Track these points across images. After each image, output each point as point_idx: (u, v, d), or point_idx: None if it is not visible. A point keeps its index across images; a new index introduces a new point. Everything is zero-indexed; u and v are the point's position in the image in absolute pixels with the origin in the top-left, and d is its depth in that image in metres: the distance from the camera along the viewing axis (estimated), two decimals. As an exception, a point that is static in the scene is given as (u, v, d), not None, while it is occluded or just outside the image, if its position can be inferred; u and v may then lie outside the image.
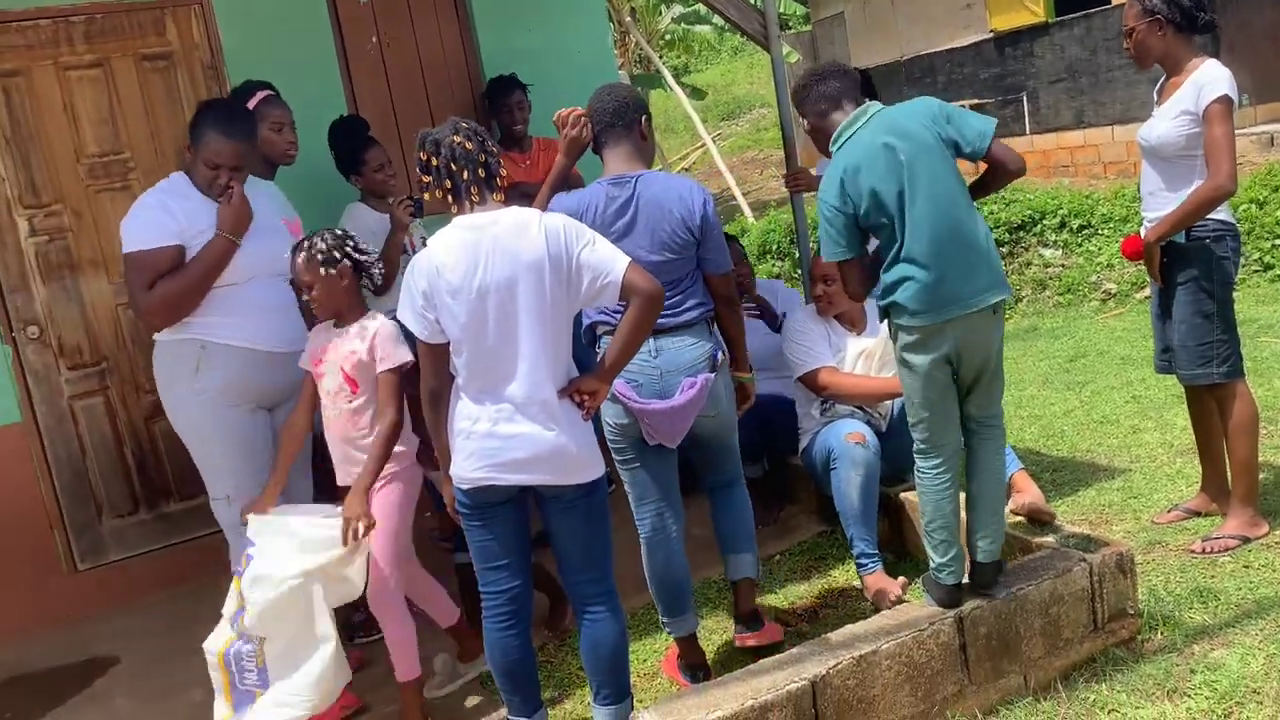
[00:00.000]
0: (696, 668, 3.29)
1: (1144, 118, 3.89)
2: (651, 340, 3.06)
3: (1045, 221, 9.22)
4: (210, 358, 3.35)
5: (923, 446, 3.04)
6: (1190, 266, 3.59)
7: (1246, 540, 3.64)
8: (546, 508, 2.82)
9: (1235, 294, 3.71)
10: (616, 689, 2.86)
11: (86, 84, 4.42)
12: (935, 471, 3.03)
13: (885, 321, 3.11)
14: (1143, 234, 3.74)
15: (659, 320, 2.92)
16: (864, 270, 3.06)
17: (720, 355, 3.21)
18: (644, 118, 3.24)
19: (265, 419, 3.51)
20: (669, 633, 3.33)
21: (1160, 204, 3.62)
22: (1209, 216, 3.53)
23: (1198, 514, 3.92)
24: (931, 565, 3.06)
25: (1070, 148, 11.16)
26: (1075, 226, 9.01)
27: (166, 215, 3.31)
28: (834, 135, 3.03)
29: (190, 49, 4.59)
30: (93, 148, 4.45)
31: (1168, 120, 3.56)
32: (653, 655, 3.53)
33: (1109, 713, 2.86)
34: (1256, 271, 7.69)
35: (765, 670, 2.82)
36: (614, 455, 3.23)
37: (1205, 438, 3.89)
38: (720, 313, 3.27)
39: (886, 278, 2.98)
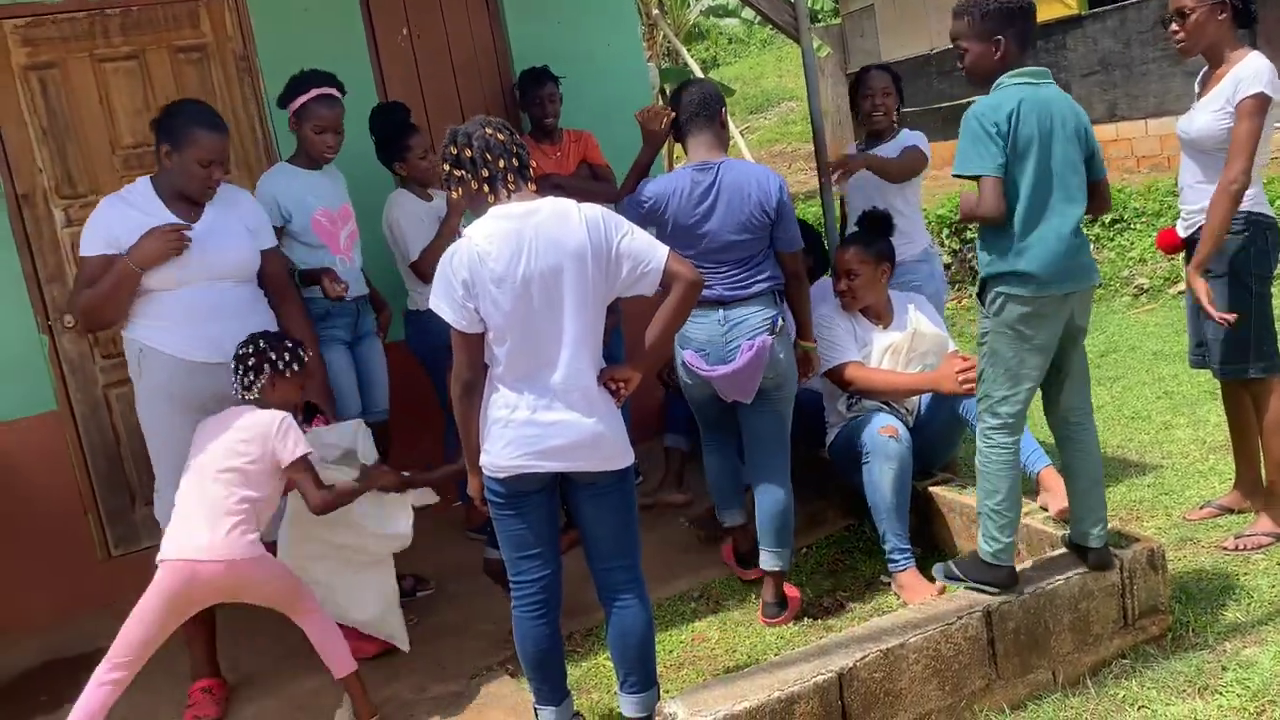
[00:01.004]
0: (745, 554, 3.87)
1: (1178, 111, 3.85)
2: (722, 310, 3.46)
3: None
4: (147, 360, 3.34)
5: (1010, 421, 3.02)
6: (1225, 258, 3.54)
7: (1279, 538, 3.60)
8: (578, 495, 2.84)
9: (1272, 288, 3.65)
10: (643, 677, 2.87)
11: (122, 76, 4.46)
12: (1013, 447, 3.03)
13: (982, 291, 3.07)
14: (1179, 227, 3.71)
15: (731, 292, 3.45)
16: (1003, 192, 2.94)
17: (780, 320, 3.51)
18: (724, 109, 3.59)
19: None
20: (722, 522, 3.92)
21: (1199, 196, 3.58)
22: (1242, 209, 3.48)
23: (1230, 511, 3.88)
24: (991, 548, 3.03)
25: (1104, 141, 10.96)
26: (1107, 221, 8.90)
27: (105, 224, 3.29)
28: (1014, 70, 2.97)
29: (223, 41, 4.63)
30: (128, 139, 4.49)
31: (1209, 113, 3.51)
32: (679, 646, 3.54)
33: (1139, 709, 2.84)
34: (1291, 266, 7.58)
35: (792, 662, 2.82)
36: (687, 397, 3.78)
37: (1239, 434, 3.85)
38: (790, 286, 3.58)
39: (1008, 246, 2.96)
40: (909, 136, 4.44)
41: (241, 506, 3.05)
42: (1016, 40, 2.97)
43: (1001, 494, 3.04)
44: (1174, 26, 3.60)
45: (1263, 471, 3.75)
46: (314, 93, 3.79)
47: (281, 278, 3.61)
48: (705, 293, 3.25)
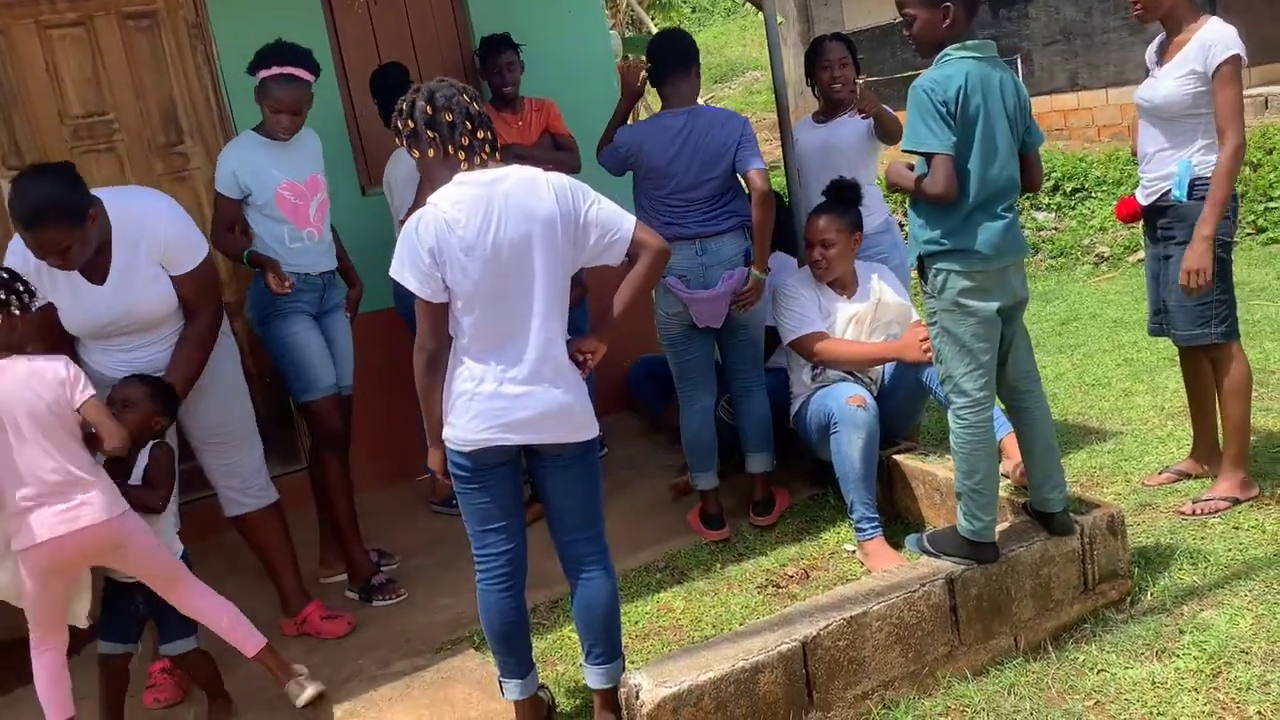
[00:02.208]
0: (714, 517, 4.01)
1: (1138, 80, 3.85)
2: (697, 242, 3.80)
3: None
4: None
5: (979, 397, 3.03)
6: (1190, 226, 3.53)
7: (1237, 502, 3.65)
8: (543, 467, 2.81)
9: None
10: (608, 649, 2.87)
11: (69, 43, 4.35)
12: (987, 425, 3.04)
13: (922, 269, 3.07)
14: (1139, 195, 3.72)
15: (704, 228, 3.79)
16: (954, 170, 2.94)
17: (752, 253, 3.83)
18: (698, 61, 3.92)
19: None
20: (695, 485, 4.07)
21: (1162, 164, 3.60)
22: (1208, 176, 3.49)
23: (1188, 476, 3.93)
24: (974, 526, 3.04)
25: (1064, 110, 11.09)
26: (1069, 190, 8.97)
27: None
28: (961, 42, 2.95)
29: (174, 8, 4.52)
30: (76, 108, 4.39)
31: (1173, 79, 3.52)
32: (644, 617, 3.55)
33: (1098, 673, 2.88)
34: (1249, 235, 7.68)
35: (756, 631, 2.83)
36: (663, 342, 4.02)
37: (1197, 400, 3.89)
38: (756, 202, 3.78)
39: (954, 226, 2.97)
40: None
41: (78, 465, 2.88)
42: (965, 8, 2.95)
43: (980, 473, 3.05)
44: None
45: (1220, 436, 3.80)
46: (274, 70, 3.67)
47: (197, 299, 3.29)
48: (681, 230, 3.75)
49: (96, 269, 3.12)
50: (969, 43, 2.94)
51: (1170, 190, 3.57)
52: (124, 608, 3.19)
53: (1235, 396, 3.65)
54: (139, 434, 3.09)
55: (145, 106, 4.47)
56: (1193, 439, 3.98)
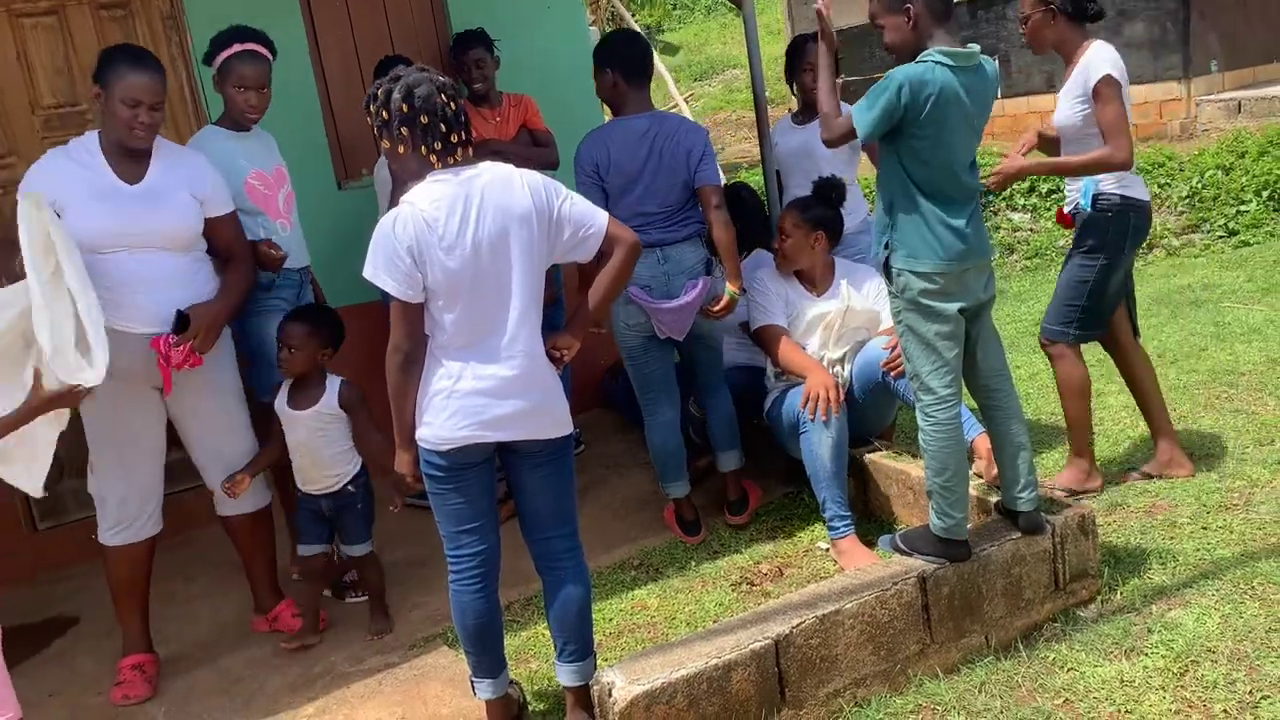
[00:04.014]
0: (689, 522, 4.02)
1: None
2: (659, 250, 3.74)
3: (1014, 186, 9.23)
4: None
5: (945, 395, 3.05)
6: (1088, 235, 3.78)
7: (1075, 493, 3.80)
8: (519, 465, 2.81)
9: (1140, 265, 3.81)
10: (581, 646, 2.87)
11: (41, 32, 4.30)
12: (955, 423, 3.06)
13: (887, 269, 3.10)
14: (1065, 206, 3.94)
15: (665, 235, 3.74)
16: (852, 132, 3.03)
17: (713, 261, 3.87)
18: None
19: (150, 396, 3.35)
20: (668, 494, 4.03)
21: (1075, 179, 3.84)
22: (1113, 191, 3.72)
23: (1150, 477, 3.97)
24: (945, 523, 3.06)
25: (1041, 111, 11.12)
26: (1044, 191, 9.02)
27: (39, 178, 3.15)
28: (940, 47, 2.95)
29: (149, -2, 4.48)
30: (49, 99, 4.34)
31: (1065, 103, 3.76)
32: (618, 614, 3.55)
33: (1068, 671, 2.90)
34: (1221, 238, 7.75)
35: (729, 629, 2.83)
36: (624, 355, 3.94)
37: (1139, 398, 4.07)
38: (710, 220, 3.77)
39: (908, 226, 3.01)
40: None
41: None
42: (930, 9, 2.97)
43: (950, 470, 3.07)
44: (1021, 29, 3.86)
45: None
46: (236, 48, 3.62)
47: (232, 245, 3.47)
48: (644, 238, 3.50)
49: (133, 172, 3.26)
50: (949, 50, 2.94)
51: (1080, 201, 3.79)
52: (312, 513, 3.58)
53: (1071, 397, 3.90)
54: (309, 371, 3.46)
55: (118, 98, 4.42)
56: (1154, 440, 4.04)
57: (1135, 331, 4.08)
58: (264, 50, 3.68)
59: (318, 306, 3.58)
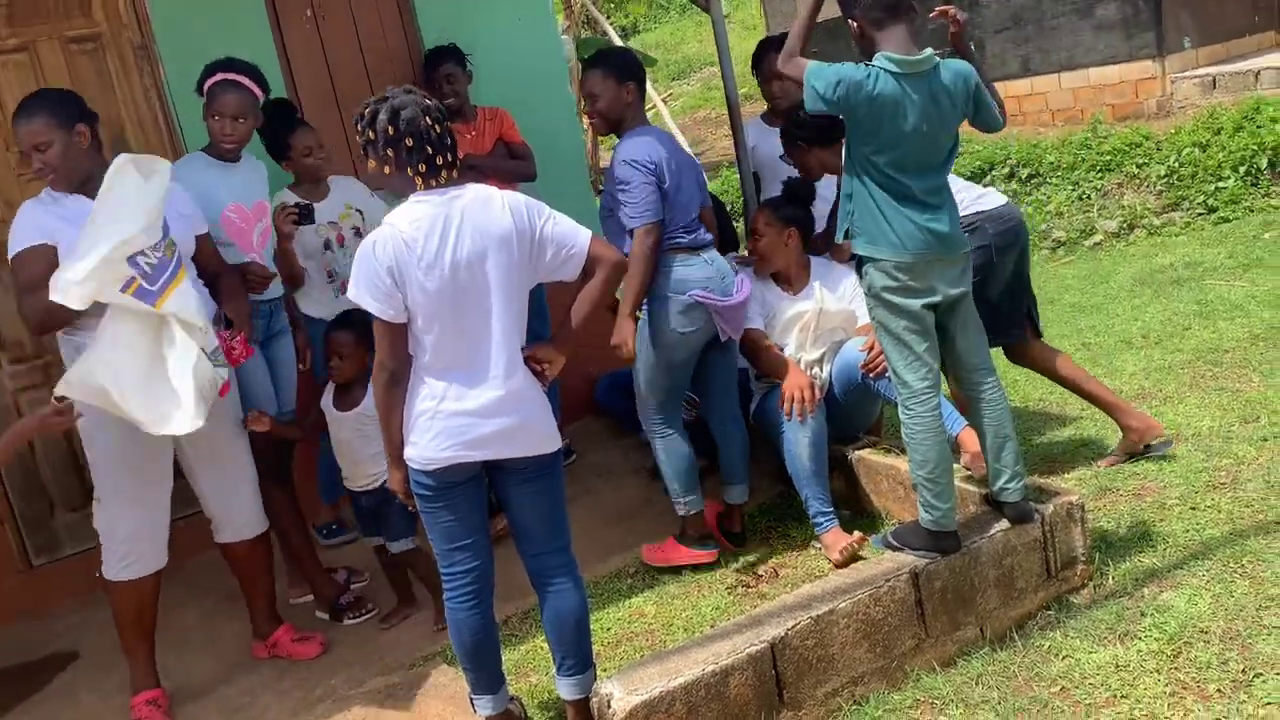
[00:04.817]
0: (706, 537, 3.88)
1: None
2: (701, 253, 3.68)
3: (995, 171, 9.27)
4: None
5: (922, 388, 3.08)
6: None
7: (1148, 448, 3.97)
8: (507, 482, 2.82)
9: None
10: (580, 659, 2.88)
11: (12, 69, 4.29)
12: (933, 415, 3.08)
13: (859, 267, 3.14)
14: None
15: (703, 236, 3.70)
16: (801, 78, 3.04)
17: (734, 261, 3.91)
18: None
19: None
20: (690, 511, 3.85)
21: None
22: (969, 209, 3.74)
23: (1131, 456, 3.99)
24: (932, 515, 3.08)
25: (1018, 96, 11.16)
26: (1024, 175, 9.05)
27: (30, 218, 3.19)
28: (888, 53, 2.99)
29: (118, 29, 4.47)
30: (23, 136, 4.32)
31: None
32: (616, 624, 3.56)
33: (1063, 659, 2.92)
34: (1200, 215, 7.77)
35: (725, 634, 2.85)
36: (664, 368, 3.72)
37: (1078, 392, 4.12)
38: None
39: (868, 225, 3.03)
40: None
41: None
42: (866, 18, 3.04)
43: (932, 462, 3.09)
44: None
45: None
46: (219, 76, 3.65)
47: (216, 257, 3.55)
48: (688, 239, 3.66)
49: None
50: (893, 57, 2.98)
51: None
52: (360, 509, 3.79)
53: (1064, 377, 4.09)
54: (359, 376, 3.61)
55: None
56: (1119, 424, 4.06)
57: (1037, 332, 4.11)
58: (247, 81, 3.69)
59: (355, 322, 3.60)
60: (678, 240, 3.63)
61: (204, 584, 4.12)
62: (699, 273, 3.63)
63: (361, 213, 4.34)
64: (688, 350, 3.71)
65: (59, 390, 2.93)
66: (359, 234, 4.37)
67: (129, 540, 3.33)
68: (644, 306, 3.69)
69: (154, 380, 3.00)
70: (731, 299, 3.67)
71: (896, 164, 3.02)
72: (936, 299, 3.08)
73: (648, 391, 3.80)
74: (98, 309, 2.99)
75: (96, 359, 2.96)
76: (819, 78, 2.96)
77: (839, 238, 3.21)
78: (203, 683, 3.63)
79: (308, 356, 4.15)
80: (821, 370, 3.88)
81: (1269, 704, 2.58)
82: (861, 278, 3.14)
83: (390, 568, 3.82)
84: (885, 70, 2.95)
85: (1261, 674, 2.69)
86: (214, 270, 3.51)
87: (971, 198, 3.87)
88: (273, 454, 3.79)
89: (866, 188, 3.05)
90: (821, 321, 3.88)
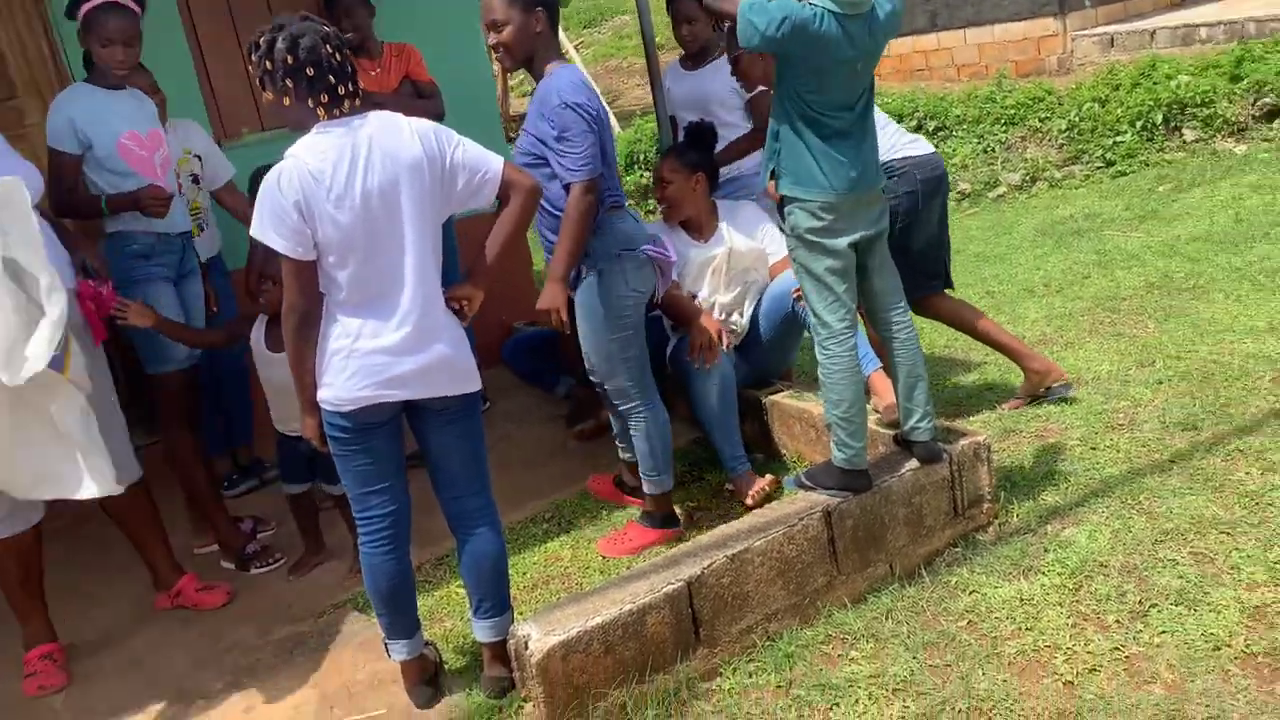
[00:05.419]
0: (671, 516, 3.65)
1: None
2: (629, 209, 3.50)
3: (902, 124, 9.33)
4: None
5: (840, 329, 3.10)
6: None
7: (1048, 390, 4.08)
8: (426, 424, 2.76)
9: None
10: (497, 602, 2.86)
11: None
12: (850, 354, 3.11)
13: (781, 208, 3.13)
14: None
15: (624, 195, 3.49)
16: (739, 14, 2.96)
17: None
18: None
19: None
20: (664, 489, 3.59)
21: None
22: (896, 155, 3.80)
23: (1034, 398, 4.11)
24: (845, 454, 3.12)
25: (925, 51, 11.31)
26: (931, 129, 9.19)
27: None
28: None
29: (-3, -47, 4.22)
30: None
31: None
32: (532, 567, 3.55)
33: (970, 594, 3.00)
34: (1099, 168, 8.00)
35: (643, 574, 2.86)
36: (622, 332, 3.40)
37: (977, 337, 4.20)
38: None
39: (793, 164, 3.02)
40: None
41: None
42: None
43: (848, 401, 3.12)
44: None
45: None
46: (93, 2, 3.43)
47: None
48: (618, 197, 3.42)
49: None
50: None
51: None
52: (292, 454, 3.58)
53: (965, 326, 4.18)
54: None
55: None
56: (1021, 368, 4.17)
57: (948, 284, 4.18)
58: (129, 2, 3.48)
59: None
60: (616, 196, 3.43)
61: (107, 539, 3.97)
62: (638, 229, 3.45)
63: (200, 158, 4.18)
64: (640, 311, 3.47)
65: None
66: (196, 181, 4.22)
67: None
68: (583, 275, 3.38)
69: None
70: (670, 253, 3.56)
71: (829, 102, 3.00)
72: (857, 237, 3.10)
73: (614, 369, 3.45)
74: None
75: None
76: (760, 13, 2.90)
77: (763, 180, 3.20)
78: (104, 636, 3.52)
79: (213, 298, 4.01)
80: (741, 313, 3.89)
81: (1164, 633, 2.69)
82: (784, 220, 3.13)
83: (306, 515, 3.71)
84: (829, 10, 2.92)
85: (1157, 605, 2.80)
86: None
87: (903, 142, 3.89)
88: (186, 396, 3.67)
89: (795, 128, 3.03)
90: (733, 262, 3.88)
